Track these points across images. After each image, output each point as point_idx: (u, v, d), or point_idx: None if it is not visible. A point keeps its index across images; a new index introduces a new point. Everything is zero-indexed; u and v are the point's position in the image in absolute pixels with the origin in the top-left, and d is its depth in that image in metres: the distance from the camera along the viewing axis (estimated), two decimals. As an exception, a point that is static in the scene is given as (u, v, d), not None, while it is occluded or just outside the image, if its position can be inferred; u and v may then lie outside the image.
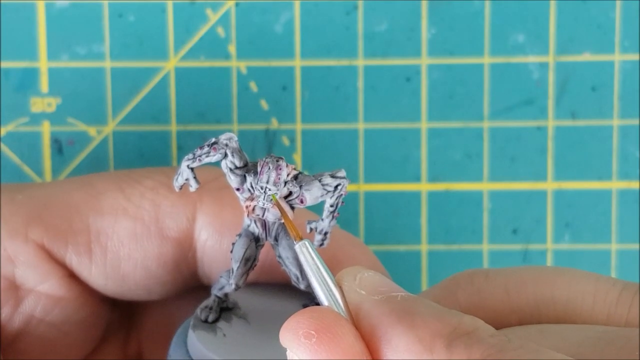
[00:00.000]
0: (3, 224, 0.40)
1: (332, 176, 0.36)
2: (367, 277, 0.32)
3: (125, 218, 0.41)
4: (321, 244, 0.37)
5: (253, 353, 0.36)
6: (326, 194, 0.36)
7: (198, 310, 0.38)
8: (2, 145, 0.49)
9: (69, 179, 0.43)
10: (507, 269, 0.35)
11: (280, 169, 0.35)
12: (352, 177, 0.49)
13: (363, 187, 0.49)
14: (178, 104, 0.49)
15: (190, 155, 0.36)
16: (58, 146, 0.49)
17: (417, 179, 0.49)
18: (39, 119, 0.49)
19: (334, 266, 0.39)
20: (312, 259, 0.32)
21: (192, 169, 0.36)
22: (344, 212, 0.49)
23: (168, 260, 0.41)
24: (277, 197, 0.35)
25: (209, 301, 0.38)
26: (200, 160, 0.36)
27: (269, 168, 0.35)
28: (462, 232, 0.49)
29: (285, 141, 0.49)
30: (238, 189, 0.36)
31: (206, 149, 0.36)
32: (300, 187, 0.35)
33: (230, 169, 0.35)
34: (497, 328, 0.34)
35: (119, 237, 0.41)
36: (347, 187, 0.36)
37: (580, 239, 0.49)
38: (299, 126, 0.49)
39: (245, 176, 0.35)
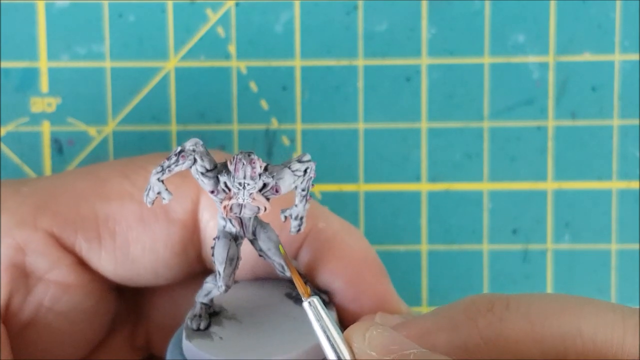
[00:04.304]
0: (11, 215, 0.40)
1: (299, 161, 0.36)
2: (377, 335, 0.31)
3: (131, 202, 0.41)
4: (298, 230, 0.37)
5: (253, 350, 0.37)
6: (297, 179, 0.36)
7: (188, 321, 0.38)
8: (2, 145, 0.49)
9: (72, 170, 0.43)
10: (529, 295, 0.34)
11: (254, 163, 0.35)
12: (352, 177, 0.49)
13: (363, 187, 0.49)
14: (178, 104, 0.49)
15: (159, 168, 0.36)
16: (58, 146, 0.49)
17: (417, 179, 0.49)
18: (39, 119, 0.49)
19: (325, 252, 0.40)
20: (322, 317, 0.32)
21: (162, 182, 0.36)
22: (345, 212, 0.49)
23: (175, 242, 0.41)
24: (255, 192, 0.35)
25: (196, 310, 0.38)
26: (170, 170, 0.36)
27: (243, 164, 0.35)
28: (462, 232, 0.49)
29: (285, 141, 0.49)
30: (212, 192, 0.36)
31: (174, 158, 0.36)
32: (273, 177, 0.36)
33: (202, 173, 0.36)
34: (517, 358, 0.33)
35: (126, 222, 0.41)
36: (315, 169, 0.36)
37: (580, 239, 0.49)
38: (299, 126, 0.49)
39: (217, 177, 0.36)
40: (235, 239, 0.37)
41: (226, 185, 0.36)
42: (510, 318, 0.33)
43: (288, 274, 0.37)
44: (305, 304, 0.32)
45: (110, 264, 0.41)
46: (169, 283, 0.43)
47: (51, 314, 0.41)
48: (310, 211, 0.38)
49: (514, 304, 0.34)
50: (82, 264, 0.41)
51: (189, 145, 0.36)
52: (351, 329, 0.32)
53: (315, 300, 0.32)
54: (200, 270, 0.42)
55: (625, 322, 0.32)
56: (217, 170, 0.36)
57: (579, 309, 0.33)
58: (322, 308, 0.32)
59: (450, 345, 0.33)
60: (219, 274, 0.37)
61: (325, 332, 0.32)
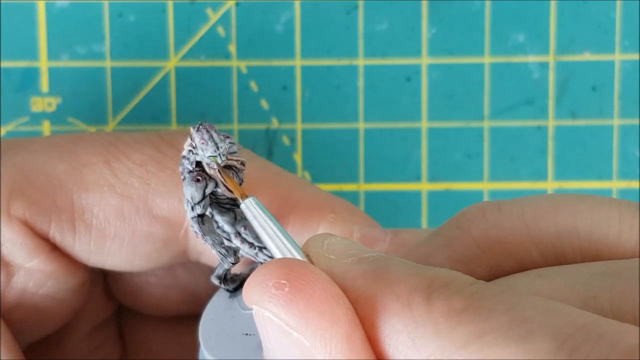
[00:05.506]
0: None
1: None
2: (335, 242, 0.31)
3: (111, 195, 0.39)
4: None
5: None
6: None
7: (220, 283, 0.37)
8: (2, 145, 0.49)
9: (50, 143, 0.41)
10: (521, 198, 0.33)
11: (212, 127, 0.33)
12: (352, 177, 0.49)
13: (363, 187, 0.49)
14: (178, 103, 0.49)
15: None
16: (58, 146, 0.49)
17: (417, 178, 0.49)
18: (39, 118, 0.49)
19: (288, 210, 0.39)
20: (263, 217, 0.31)
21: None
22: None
23: (157, 239, 0.39)
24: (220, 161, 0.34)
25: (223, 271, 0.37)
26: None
27: (206, 130, 0.33)
28: (462, 232, 0.49)
29: (286, 141, 0.49)
30: (198, 180, 0.34)
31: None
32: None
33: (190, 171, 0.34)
34: (518, 262, 0.32)
35: (105, 215, 0.39)
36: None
37: (580, 239, 0.49)
38: (299, 126, 0.49)
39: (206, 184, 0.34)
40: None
41: (199, 166, 0.34)
42: (504, 222, 0.32)
43: (260, 259, 0.36)
44: (243, 206, 0.31)
45: (84, 254, 0.40)
46: (145, 270, 0.41)
47: (37, 297, 0.40)
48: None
49: (506, 207, 0.32)
50: (60, 249, 0.40)
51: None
52: (308, 240, 0.31)
53: (253, 200, 0.31)
54: (182, 261, 0.41)
55: (622, 216, 0.31)
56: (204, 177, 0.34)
57: (573, 206, 0.32)
58: (262, 208, 0.31)
59: (449, 262, 0.32)
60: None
61: (266, 230, 0.31)
